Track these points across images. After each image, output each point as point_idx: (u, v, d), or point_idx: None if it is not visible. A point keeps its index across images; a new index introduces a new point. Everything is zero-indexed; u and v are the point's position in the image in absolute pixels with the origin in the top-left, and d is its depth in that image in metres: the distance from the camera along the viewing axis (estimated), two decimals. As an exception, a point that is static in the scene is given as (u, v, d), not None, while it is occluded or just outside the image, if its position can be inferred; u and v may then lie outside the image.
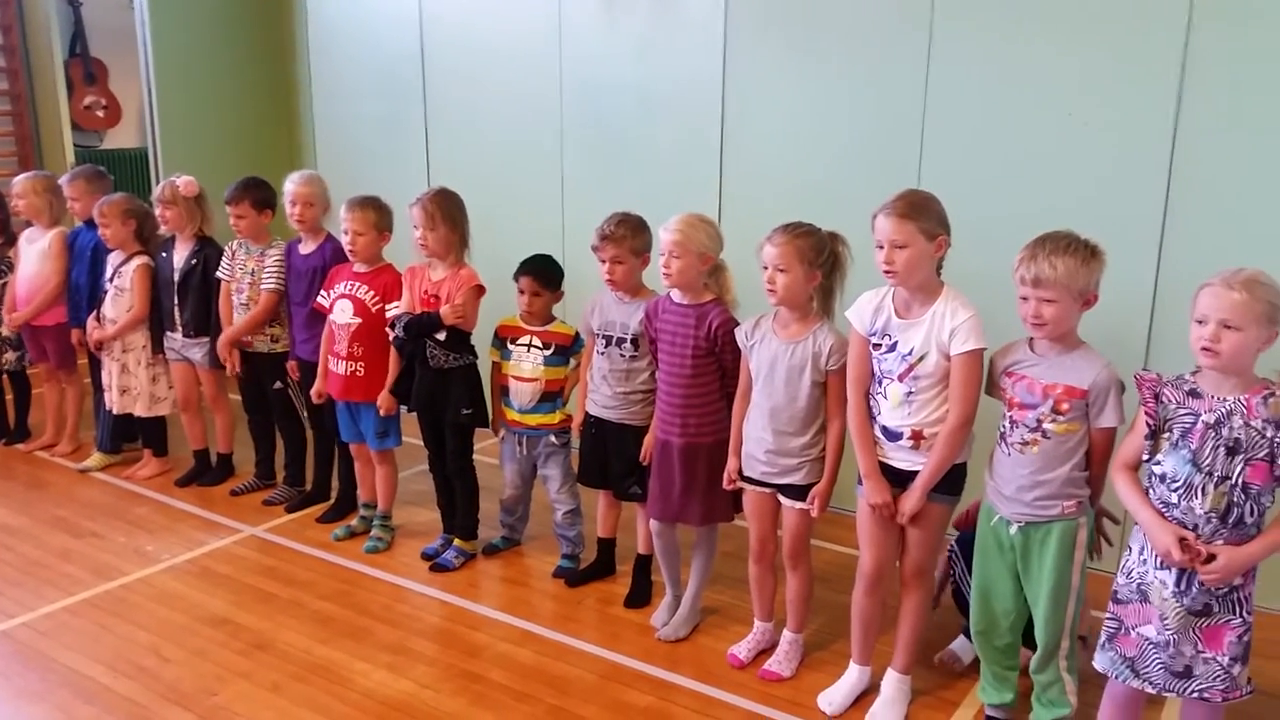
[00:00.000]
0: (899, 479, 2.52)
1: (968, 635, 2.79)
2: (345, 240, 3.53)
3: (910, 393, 2.45)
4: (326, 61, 5.48)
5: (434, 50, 4.96)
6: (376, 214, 3.52)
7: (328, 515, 3.97)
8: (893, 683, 2.70)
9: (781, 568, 2.90)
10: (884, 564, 2.63)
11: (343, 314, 3.56)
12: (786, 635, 2.92)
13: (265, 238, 3.98)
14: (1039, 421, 2.30)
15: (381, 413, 3.56)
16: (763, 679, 2.86)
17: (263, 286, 3.90)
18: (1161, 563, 2.10)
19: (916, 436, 2.46)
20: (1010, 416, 2.36)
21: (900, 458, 2.50)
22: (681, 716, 2.70)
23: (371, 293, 3.55)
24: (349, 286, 3.58)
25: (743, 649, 2.96)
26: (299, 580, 3.49)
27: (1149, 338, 3.29)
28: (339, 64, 5.42)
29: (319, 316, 3.67)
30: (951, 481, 2.49)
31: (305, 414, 4.00)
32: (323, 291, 3.65)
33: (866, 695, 2.73)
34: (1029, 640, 2.51)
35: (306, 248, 3.83)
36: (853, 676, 2.75)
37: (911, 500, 2.47)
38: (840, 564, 3.44)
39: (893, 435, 2.50)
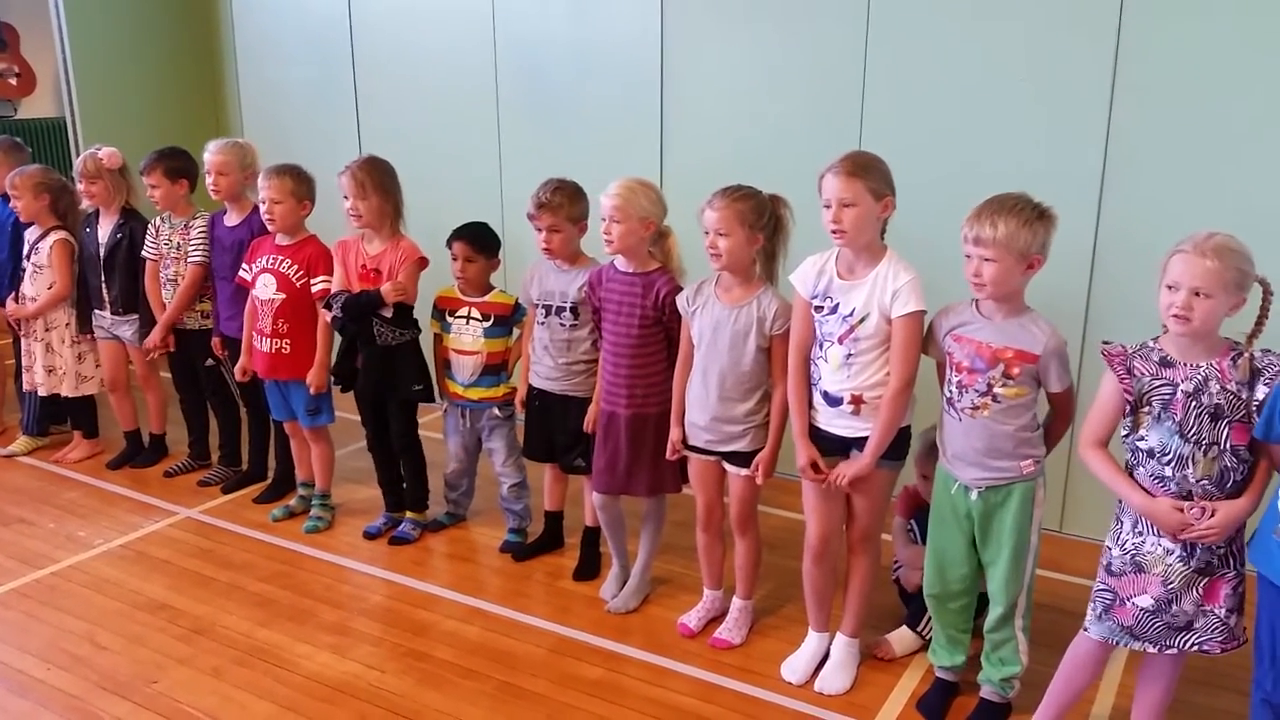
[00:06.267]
0: (841, 446, 2.51)
1: (910, 626, 2.82)
2: (263, 210, 3.41)
3: (850, 355, 2.43)
4: (251, 24, 5.28)
5: (362, 9, 4.80)
6: (295, 182, 3.40)
7: (265, 495, 3.89)
8: (842, 646, 2.71)
9: (729, 535, 2.89)
10: (830, 534, 2.63)
11: (265, 289, 3.46)
12: (736, 602, 2.92)
13: (186, 209, 3.85)
14: (989, 386, 2.29)
15: (312, 391, 3.48)
16: (713, 647, 2.86)
17: (189, 260, 3.78)
18: (1160, 532, 2.10)
19: (856, 401, 2.45)
20: (958, 381, 2.34)
21: (841, 424, 2.49)
22: (632, 688, 2.69)
23: (295, 267, 3.44)
24: (271, 260, 3.46)
25: (693, 618, 2.96)
26: (237, 563, 3.42)
27: (1088, 297, 3.32)
28: (264, 26, 5.23)
29: (245, 292, 3.56)
30: (895, 446, 2.48)
31: (237, 392, 3.89)
32: (244, 265, 3.54)
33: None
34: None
35: (232, 219, 3.72)
36: (813, 644, 2.75)
37: (859, 465, 2.46)
38: (788, 529, 3.44)
39: (833, 401, 2.48)
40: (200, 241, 3.76)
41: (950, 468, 2.42)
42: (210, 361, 3.89)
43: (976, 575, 2.48)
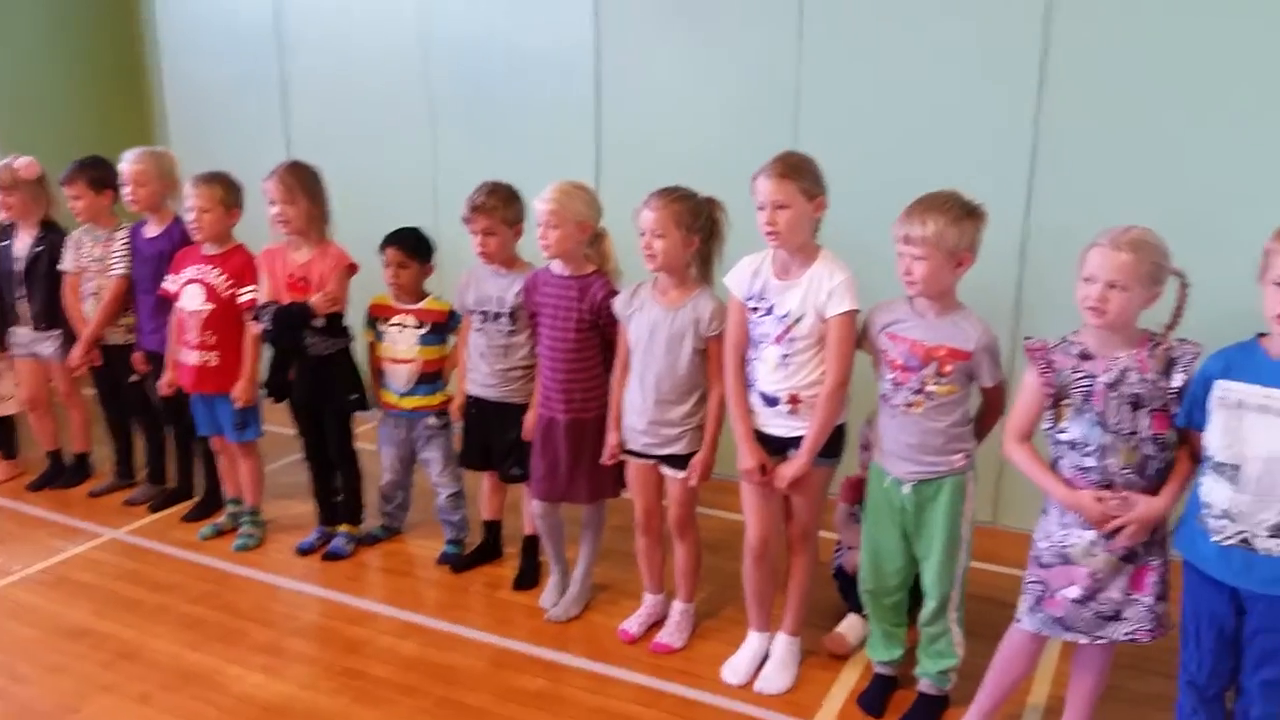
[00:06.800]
0: (779, 447, 2.52)
1: (855, 610, 2.83)
2: (190, 219, 3.33)
3: (786, 355, 2.44)
4: (174, 26, 5.14)
5: (289, 9, 4.70)
6: (223, 189, 3.33)
7: (193, 513, 3.78)
8: (783, 645, 2.72)
9: (669, 539, 2.87)
10: (769, 534, 2.63)
11: (192, 300, 3.36)
12: (676, 606, 2.91)
13: (110, 221, 3.74)
14: (922, 384, 2.32)
15: (239, 405, 3.39)
16: (654, 652, 2.84)
17: (110, 273, 3.66)
18: (1084, 524, 2.13)
19: (794, 401, 2.46)
20: (893, 379, 2.37)
21: (778, 424, 2.50)
22: (574, 697, 2.66)
23: (224, 276, 3.36)
24: (198, 270, 3.38)
25: (634, 623, 2.94)
26: (165, 584, 3.31)
27: (1018, 293, 3.38)
28: (188, 27, 5.08)
29: (168, 305, 3.46)
30: (831, 444, 2.49)
31: (161, 407, 3.76)
32: (169, 275, 3.44)
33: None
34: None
35: (152, 230, 3.61)
36: (754, 644, 2.75)
37: (796, 466, 2.47)
38: (727, 530, 3.43)
39: (770, 401, 2.49)
40: (122, 252, 3.65)
41: (883, 463, 2.44)
42: (134, 377, 3.77)
43: (911, 569, 2.50)
